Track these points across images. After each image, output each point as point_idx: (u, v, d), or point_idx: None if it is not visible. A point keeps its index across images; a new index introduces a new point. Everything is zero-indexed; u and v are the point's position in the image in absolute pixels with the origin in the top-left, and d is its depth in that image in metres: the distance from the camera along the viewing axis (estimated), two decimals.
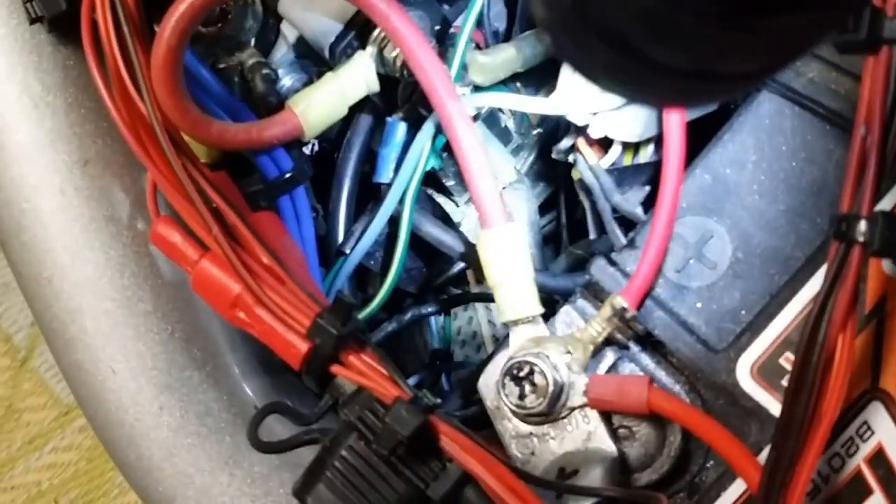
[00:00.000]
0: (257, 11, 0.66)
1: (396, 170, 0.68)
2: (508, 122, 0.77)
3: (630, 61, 0.31)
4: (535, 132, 0.78)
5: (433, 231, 0.68)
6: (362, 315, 0.69)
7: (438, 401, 0.56)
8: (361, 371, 0.56)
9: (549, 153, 0.79)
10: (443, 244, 0.69)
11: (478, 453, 0.54)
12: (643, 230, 0.62)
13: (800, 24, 0.30)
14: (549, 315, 0.64)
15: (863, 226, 0.47)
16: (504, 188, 0.74)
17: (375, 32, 0.64)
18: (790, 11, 0.29)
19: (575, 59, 0.34)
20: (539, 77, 0.73)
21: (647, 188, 0.62)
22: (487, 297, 0.83)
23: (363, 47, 0.64)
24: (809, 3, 0.29)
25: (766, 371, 0.57)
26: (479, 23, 0.72)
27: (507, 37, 0.75)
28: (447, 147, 0.68)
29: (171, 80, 0.55)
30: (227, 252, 0.56)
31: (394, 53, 0.63)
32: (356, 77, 0.62)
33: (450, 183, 0.76)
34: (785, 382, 0.56)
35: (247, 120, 0.63)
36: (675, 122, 0.55)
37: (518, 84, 0.73)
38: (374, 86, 0.63)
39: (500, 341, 0.65)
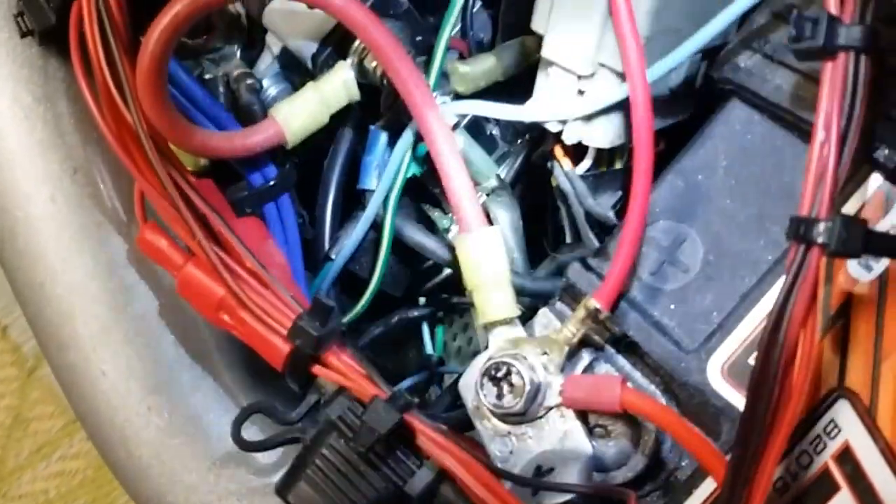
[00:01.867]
0: (242, 24, 0.67)
1: (379, 176, 0.70)
2: (494, 130, 0.79)
3: None
4: (520, 140, 0.80)
5: (415, 236, 0.70)
6: (347, 318, 0.71)
7: (416, 399, 0.58)
8: (341, 371, 0.58)
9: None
10: (425, 248, 0.70)
11: (454, 451, 0.56)
12: (616, 234, 0.63)
13: None
14: (529, 318, 0.65)
15: (821, 227, 0.49)
16: (488, 195, 0.76)
17: (356, 43, 0.65)
18: None
19: None
20: (523, 86, 0.74)
21: (620, 193, 0.63)
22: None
23: (344, 58, 0.66)
24: None
25: (736, 371, 0.58)
26: (464, 33, 0.74)
27: (491, 46, 0.77)
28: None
29: (156, 90, 0.56)
30: (210, 257, 0.58)
31: (373, 64, 0.65)
32: (336, 85, 0.64)
33: (436, 190, 0.78)
34: None
35: (232, 129, 0.64)
36: (644, 126, 0.56)
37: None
38: (354, 94, 0.65)
39: None
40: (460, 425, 0.64)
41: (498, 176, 0.75)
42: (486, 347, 0.63)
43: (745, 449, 0.50)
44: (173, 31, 0.55)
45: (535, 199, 0.86)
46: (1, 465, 1.60)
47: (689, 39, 0.58)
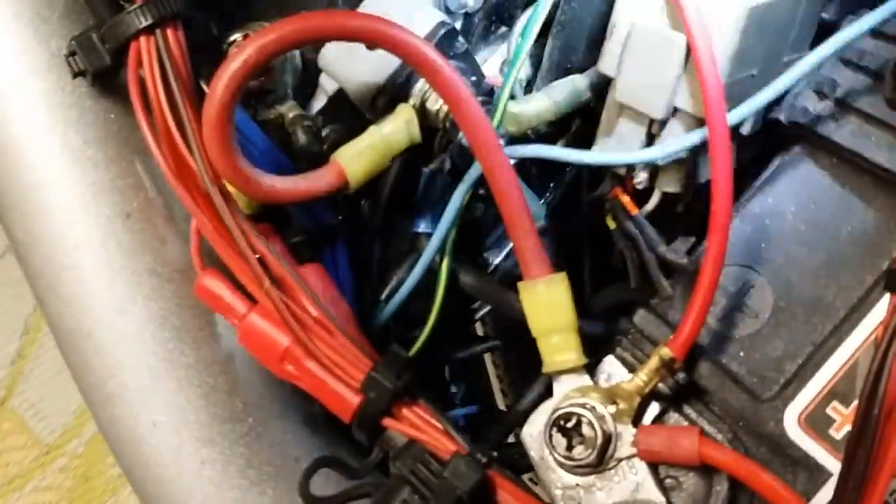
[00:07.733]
0: (297, 65, 0.66)
1: (433, 219, 0.68)
2: (533, 169, 0.78)
3: None
4: (553, 182, 0.79)
5: (473, 280, 0.68)
6: None
7: (495, 454, 0.56)
8: (415, 424, 0.56)
9: (570, 197, 0.79)
10: (483, 293, 0.69)
11: None
12: (684, 280, 0.63)
13: None
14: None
15: None
16: None
17: (419, 85, 0.64)
18: None
19: None
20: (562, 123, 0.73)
21: (693, 238, 0.62)
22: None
23: (404, 100, 0.64)
24: None
25: (814, 421, 0.58)
26: None
27: (528, 86, 0.76)
28: (481, 197, 0.69)
29: (224, 138, 0.55)
30: (278, 305, 0.56)
31: (437, 106, 0.64)
32: (399, 128, 0.63)
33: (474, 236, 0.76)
34: (833, 432, 0.57)
35: (289, 172, 0.63)
36: (724, 172, 0.55)
37: None
38: (416, 136, 0.64)
39: (533, 387, 0.64)
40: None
41: (547, 218, 0.74)
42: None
43: None
44: (243, 78, 0.54)
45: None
46: None
47: (768, 87, 0.58)
